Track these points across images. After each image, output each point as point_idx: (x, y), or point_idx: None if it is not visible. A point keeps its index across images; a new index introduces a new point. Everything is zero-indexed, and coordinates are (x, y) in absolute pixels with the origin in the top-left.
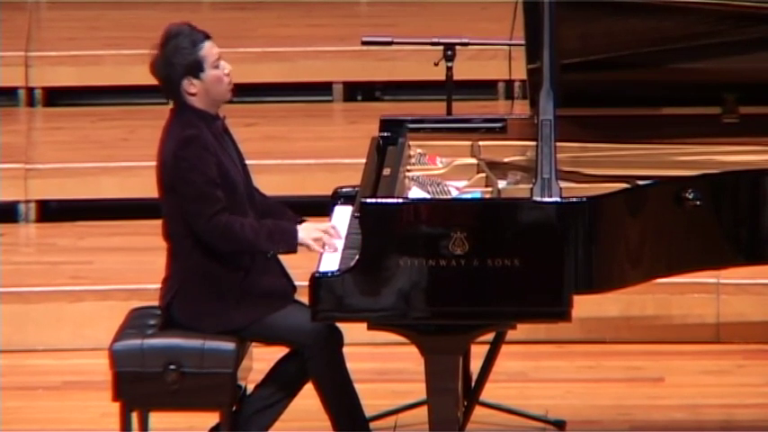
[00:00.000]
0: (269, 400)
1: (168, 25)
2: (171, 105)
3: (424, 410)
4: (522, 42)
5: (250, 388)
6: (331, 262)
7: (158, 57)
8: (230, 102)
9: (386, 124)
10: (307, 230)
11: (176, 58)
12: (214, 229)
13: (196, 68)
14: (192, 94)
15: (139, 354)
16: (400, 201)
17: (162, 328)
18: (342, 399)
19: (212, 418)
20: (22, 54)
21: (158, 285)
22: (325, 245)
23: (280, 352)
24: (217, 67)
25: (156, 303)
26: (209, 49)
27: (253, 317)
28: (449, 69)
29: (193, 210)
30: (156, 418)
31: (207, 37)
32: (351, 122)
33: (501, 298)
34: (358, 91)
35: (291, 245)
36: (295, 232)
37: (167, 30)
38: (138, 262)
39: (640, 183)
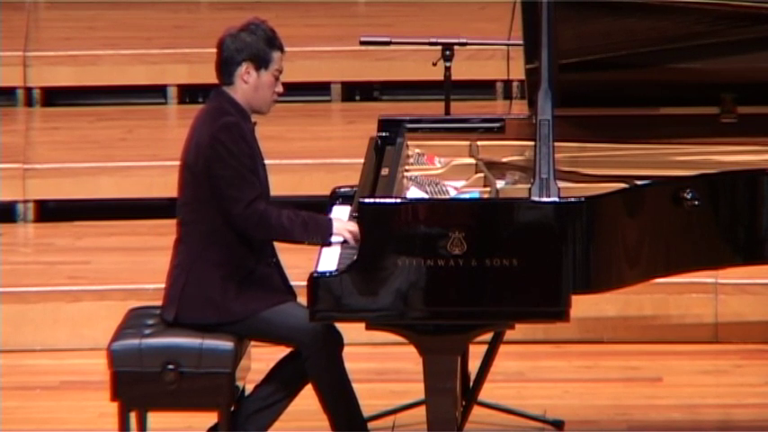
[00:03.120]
0: (268, 400)
1: (255, 17)
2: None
3: (422, 410)
4: (521, 42)
5: (249, 388)
6: (329, 262)
7: (232, 34)
8: None
9: (384, 124)
10: (342, 223)
11: (249, 42)
12: (252, 215)
13: (261, 62)
14: (244, 82)
15: (137, 354)
16: (398, 201)
17: (168, 322)
18: (340, 399)
19: (210, 418)
20: (20, 54)
21: (156, 285)
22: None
23: (279, 352)
24: (276, 78)
25: (153, 303)
26: (278, 58)
27: (252, 309)
28: (447, 69)
29: (231, 194)
30: (154, 418)
31: (282, 50)
32: (349, 122)
33: (499, 298)
34: (356, 91)
35: (325, 236)
36: (330, 224)
37: (253, 18)
38: (135, 262)
39: (638, 183)
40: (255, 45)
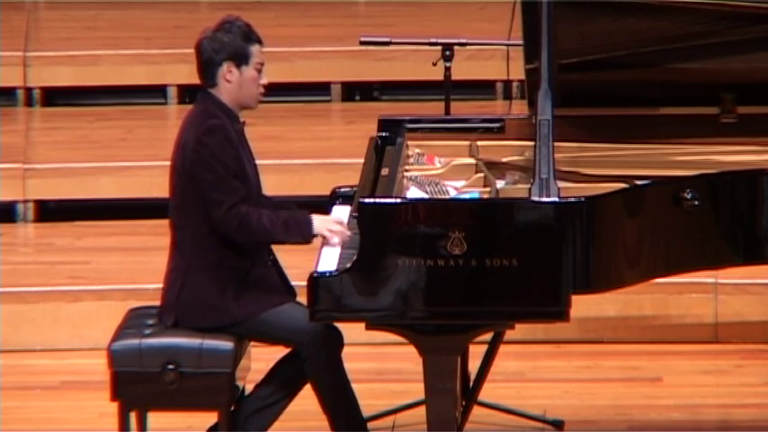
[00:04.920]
0: (267, 400)
1: (228, 15)
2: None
3: (422, 410)
4: (521, 42)
5: (248, 388)
6: (329, 262)
7: (209, 36)
8: None
9: (384, 124)
10: (322, 222)
11: (226, 42)
12: (233, 218)
13: (241, 59)
14: (228, 81)
15: (137, 354)
16: (398, 201)
17: (167, 326)
18: (339, 399)
19: (210, 418)
20: (20, 54)
21: (156, 285)
22: (340, 238)
23: (279, 352)
24: (258, 71)
25: (153, 303)
26: (257, 52)
27: (251, 311)
28: (447, 69)
29: (213, 198)
30: (154, 418)
31: (260, 42)
32: (349, 122)
33: (499, 298)
34: (356, 91)
35: (306, 235)
36: (310, 223)
37: (226, 16)
38: (135, 262)
39: (638, 183)
40: (233, 43)
